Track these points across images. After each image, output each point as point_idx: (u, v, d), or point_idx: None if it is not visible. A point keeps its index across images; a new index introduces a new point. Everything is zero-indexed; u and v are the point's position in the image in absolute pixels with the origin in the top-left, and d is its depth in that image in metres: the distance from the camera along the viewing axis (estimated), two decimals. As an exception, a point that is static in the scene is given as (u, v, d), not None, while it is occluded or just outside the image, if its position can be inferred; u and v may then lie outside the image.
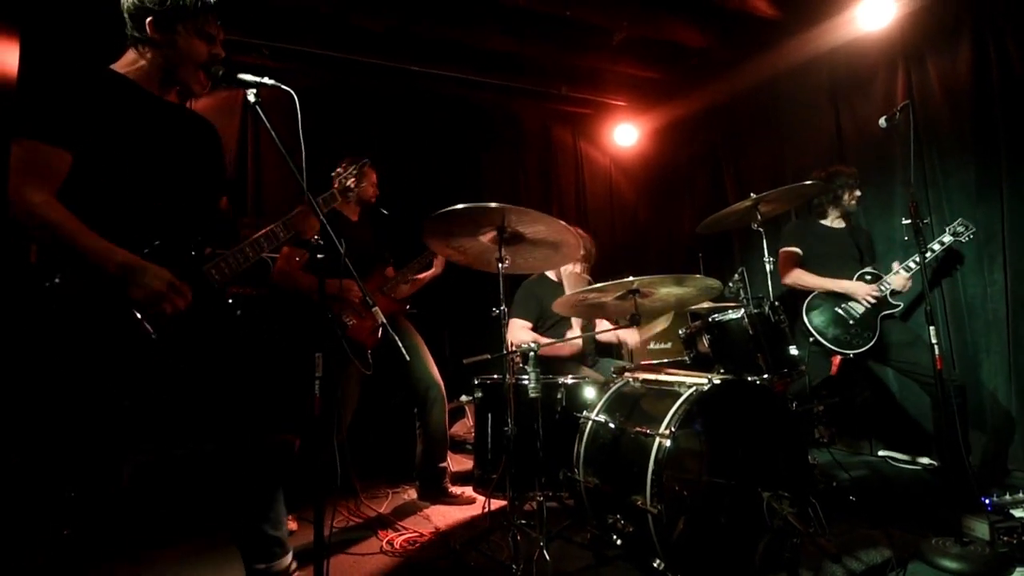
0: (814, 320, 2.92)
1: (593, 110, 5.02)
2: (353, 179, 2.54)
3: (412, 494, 3.04)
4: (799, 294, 3.05)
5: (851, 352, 2.83)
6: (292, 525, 2.46)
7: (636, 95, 4.84)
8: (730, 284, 3.06)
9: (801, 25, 3.69)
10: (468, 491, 2.91)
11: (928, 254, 2.84)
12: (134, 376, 1.42)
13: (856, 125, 3.72)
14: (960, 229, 2.90)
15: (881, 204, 3.51)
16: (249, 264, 1.67)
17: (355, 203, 3.03)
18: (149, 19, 1.53)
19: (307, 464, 2.31)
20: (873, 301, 2.86)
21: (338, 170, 2.86)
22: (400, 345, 1.63)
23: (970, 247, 3.17)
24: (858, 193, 3.15)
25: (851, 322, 2.87)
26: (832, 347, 2.85)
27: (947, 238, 2.90)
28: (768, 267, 2.65)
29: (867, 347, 2.81)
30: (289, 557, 1.73)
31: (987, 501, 2.24)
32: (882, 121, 2.50)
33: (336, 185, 2.37)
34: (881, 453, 3.53)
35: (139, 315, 1.41)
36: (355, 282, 2.87)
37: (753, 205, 2.58)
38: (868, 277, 2.94)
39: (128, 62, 1.59)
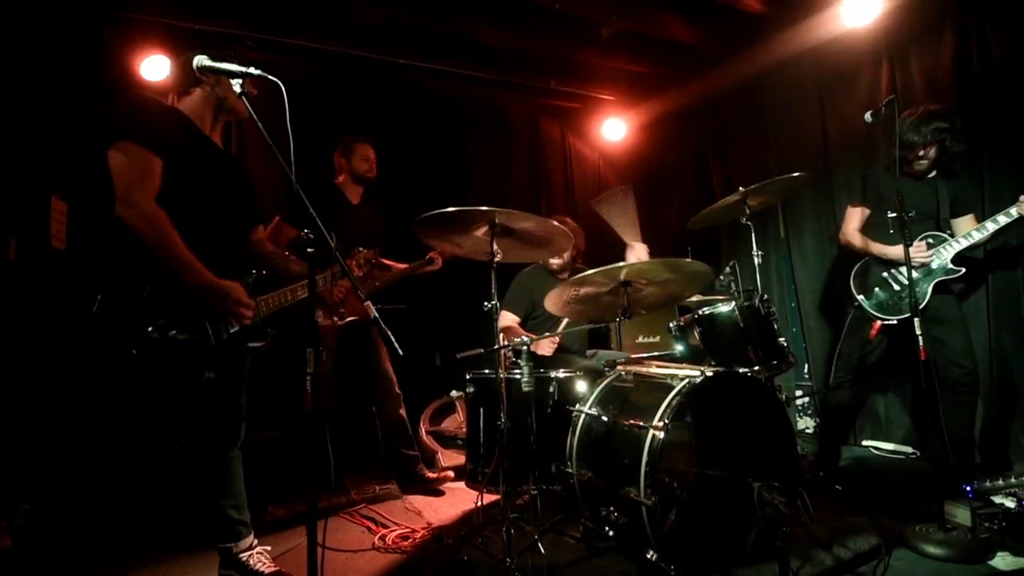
0: (859, 284, 2.76)
1: (582, 104, 5.00)
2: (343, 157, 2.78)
3: (399, 490, 3.02)
4: (853, 254, 2.86)
5: (894, 318, 2.64)
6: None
7: (625, 90, 4.83)
8: (721, 277, 3.07)
9: (788, 21, 3.71)
10: (446, 473, 3.04)
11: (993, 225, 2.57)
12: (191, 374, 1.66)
13: (841, 120, 3.76)
14: None
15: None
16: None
17: (354, 182, 2.98)
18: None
19: (300, 461, 2.29)
20: (919, 264, 2.61)
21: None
22: (393, 340, 1.63)
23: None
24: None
25: (897, 287, 2.67)
26: (874, 312, 2.68)
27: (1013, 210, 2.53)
28: (757, 260, 2.67)
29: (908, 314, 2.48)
30: (251, 538, 1.95)
31: (968, 488, 2.30)
32: (868, 116, 2.49)
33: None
34: (865, 443, 3.60)
35: (207, 324, 1.66)
36: (347, 277, 2.85)
37: (742, 199, 2.59)
38: (931, 240, 2.67)
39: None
